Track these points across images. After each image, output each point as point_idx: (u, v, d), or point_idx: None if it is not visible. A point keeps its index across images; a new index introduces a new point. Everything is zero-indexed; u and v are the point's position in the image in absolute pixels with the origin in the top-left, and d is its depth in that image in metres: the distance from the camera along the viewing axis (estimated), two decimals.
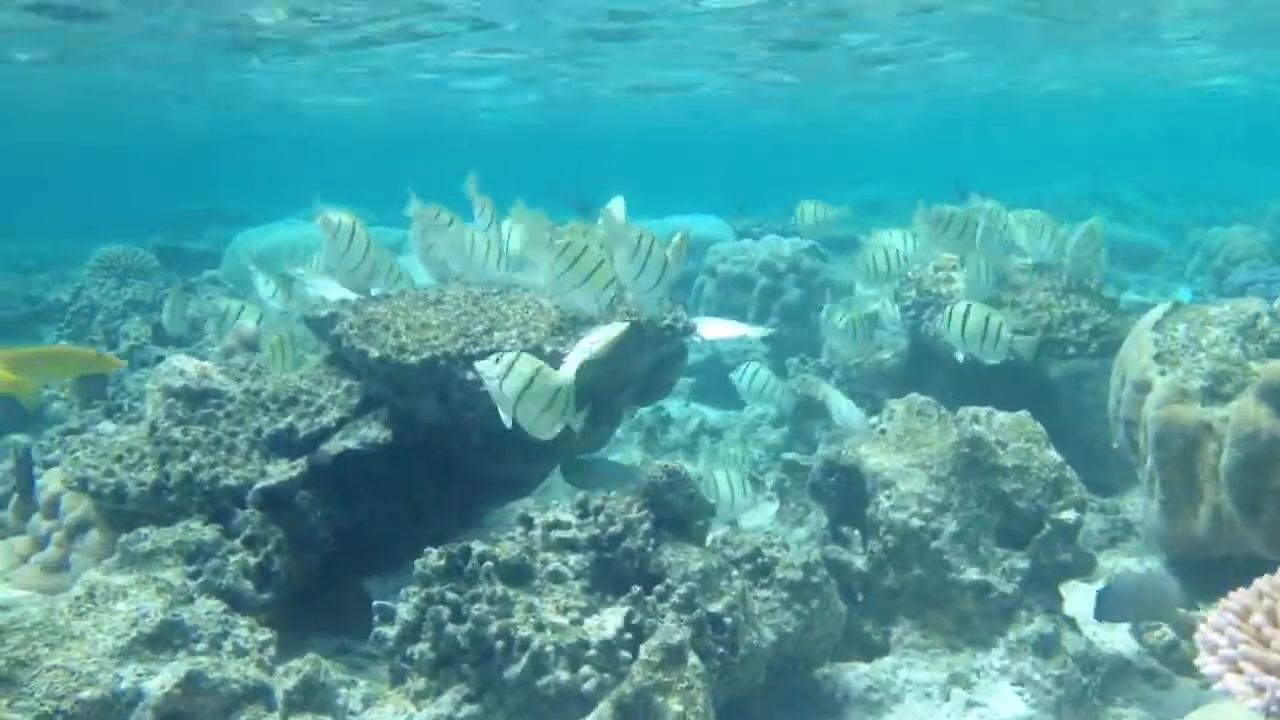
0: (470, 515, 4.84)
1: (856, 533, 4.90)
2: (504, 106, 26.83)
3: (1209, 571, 5.45)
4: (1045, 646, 4.41)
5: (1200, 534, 5.33)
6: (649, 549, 3.90)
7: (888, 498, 4.64)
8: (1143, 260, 16.83)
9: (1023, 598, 4.54)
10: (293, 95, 22.68)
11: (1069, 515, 4.60)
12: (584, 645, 3.60)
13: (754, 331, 5.59)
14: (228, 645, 3.67)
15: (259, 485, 4.18)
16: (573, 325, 4.41)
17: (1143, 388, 6.08)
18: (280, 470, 4.25)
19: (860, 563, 4.66)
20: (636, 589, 3.70)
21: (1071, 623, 4.61)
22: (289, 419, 4.40)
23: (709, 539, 4.22)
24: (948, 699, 4.35)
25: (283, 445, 4.36)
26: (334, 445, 4.37)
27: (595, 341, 4.24)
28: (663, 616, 3.67)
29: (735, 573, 4.02)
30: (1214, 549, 5.35)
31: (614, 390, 4.59)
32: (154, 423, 4.33)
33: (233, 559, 4.04)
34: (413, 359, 4.22)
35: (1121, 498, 6.77)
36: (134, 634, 3.54)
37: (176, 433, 4.29)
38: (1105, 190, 23.70)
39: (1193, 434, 5.31)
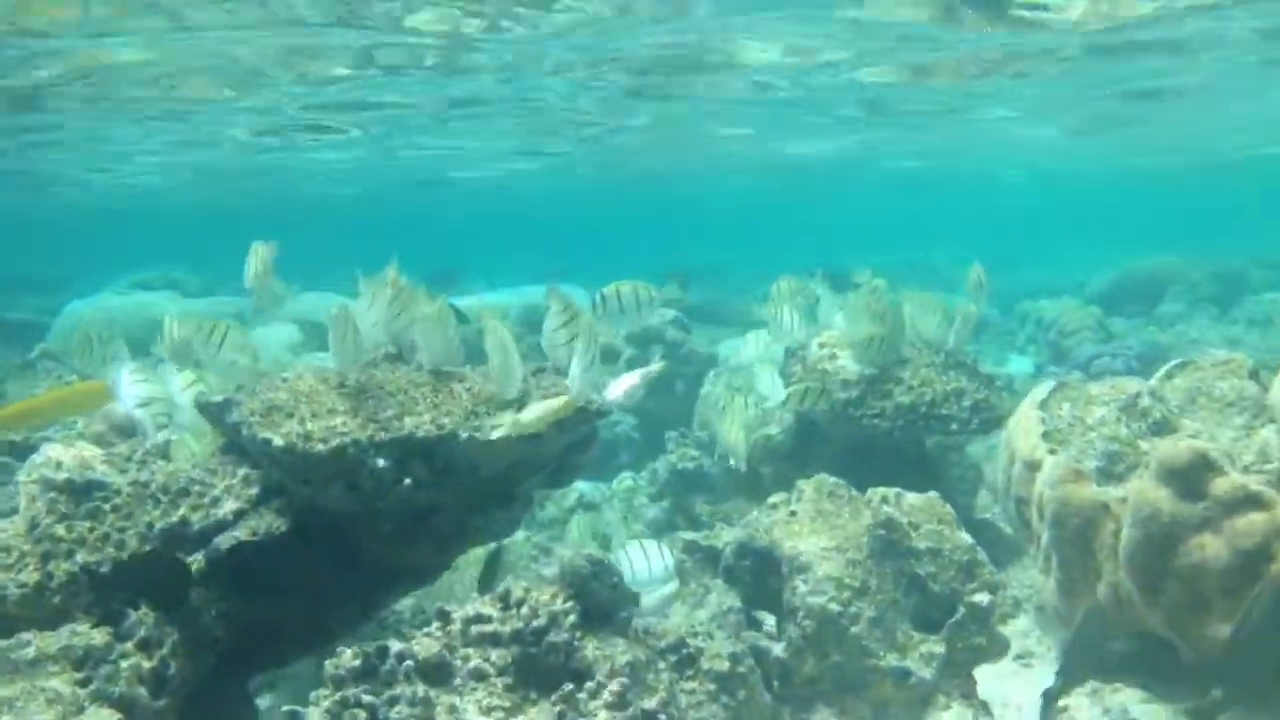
0: (371, 606, 4.71)
1: (771, 618, 4.92)
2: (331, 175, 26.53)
3: (1106, 649, 5.61)
4: None
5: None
6: (575, 642, 3.84)
7: (804, 582, 4.67)
8: (973, 330, 17.46)
9: (939, 683, 4.61)
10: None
11: (982, 598, 4.70)
12: None
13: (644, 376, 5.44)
14: None
15: None
16: (486, 407, 4.35)
17: (1033, 466, 6.26)
18: None
19: (779, 649, 4.67)
20: (569, 687, 3.63)
21: (985, 708, 4.69)
22: (181, 511, 4.21)
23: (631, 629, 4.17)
24: None
25: (175, 540, 4.16)
26: (229, 538, 4.21)
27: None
28: (595, 716, 3.61)
29: (662, 665, 3.98)
30: (1112, 628, 5.51)
31: (530, 473, 4.53)
32: (33, 518, 4.10)
33: (125, 664, 3.83)
34: (320, 447, 4.10)
35: (1005, 572, 6.94)
36: None
37: (59, 529, 4.06)
38: (920, 261, 24.79)
39: (1089, 513, 5.48)
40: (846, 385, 7.65)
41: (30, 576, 3.94)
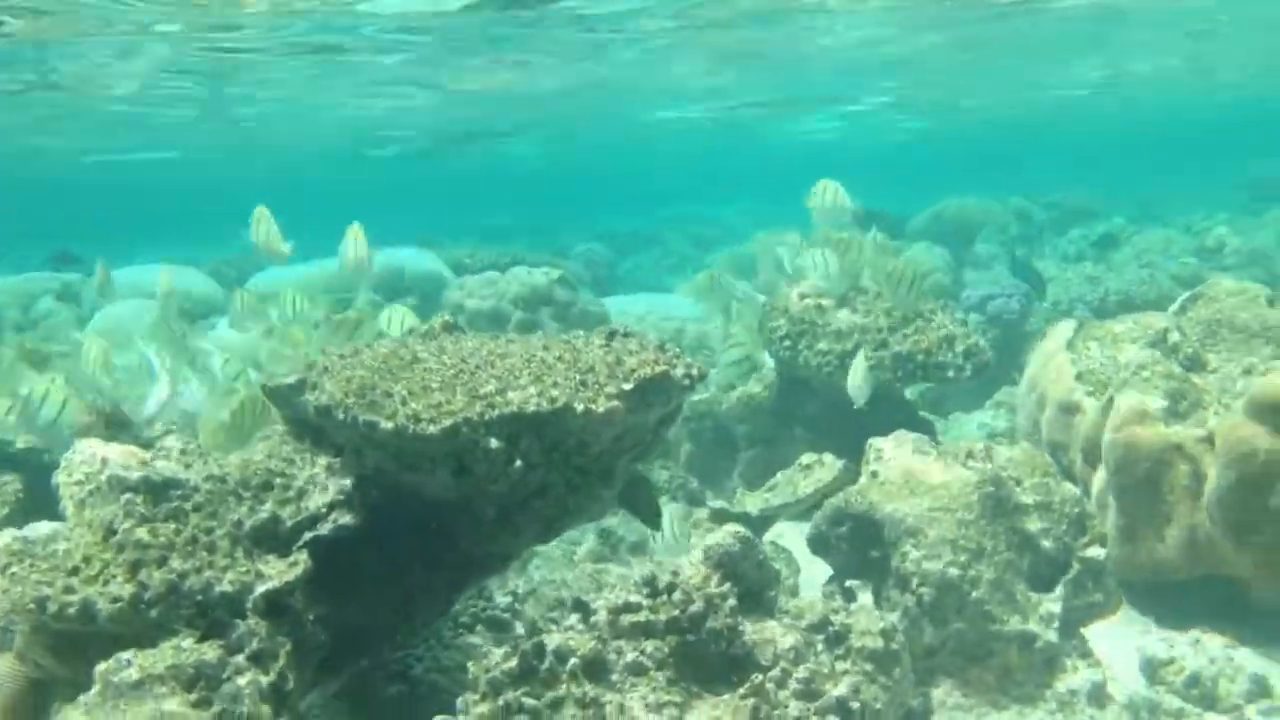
0: (454, 600, 4.59)
1: (863, 585, 4.95)
2: None
3: (1166, 595, 5.81)
4: (1098, 696, 4.58)
5: (1169, 557, 5.67)
6: (738, 627, 3.80)
7: (915, 546, 4.70)
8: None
9: (1062, 644, 4.71)
10: None
11: (1096, 552, 4.80)
12: None
13: None
14: None
15: (261, 589, 3.77)
16: (590, 373, 4.24)
17: (1069, 409, 6.43)
18: (278, 569, 3.84)
19: (892, 620, 4.69)
20: (757, 678, 3.59)
21: (1103, 668, 4.80)
22: (269, 507, 4.00)
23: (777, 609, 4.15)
24: None
25: (267, 539, 3.96)
26: (323, 534, 4.02)
27: None
28: (787, 707, 3.58)
29: (820, 646, 3.97)
30: (1184, 572, 5.70)
31: (631, 446, 4.43)
32: (110, 523, 3.84)
33: (242, 680, 3.64)
34: (432, 429, 3.93)
35: None
36: None
37: (142, 534, 3.81)
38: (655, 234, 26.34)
39: (1159, 455, 5.65)
40: (840, 336, 7.72)
41: (123, 589, 3.68)
